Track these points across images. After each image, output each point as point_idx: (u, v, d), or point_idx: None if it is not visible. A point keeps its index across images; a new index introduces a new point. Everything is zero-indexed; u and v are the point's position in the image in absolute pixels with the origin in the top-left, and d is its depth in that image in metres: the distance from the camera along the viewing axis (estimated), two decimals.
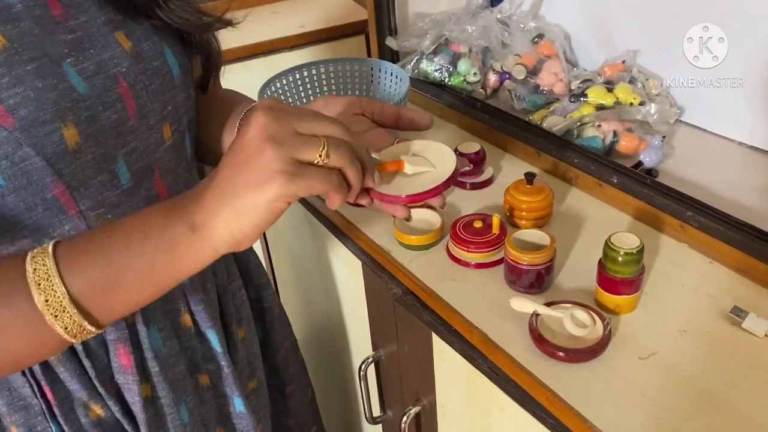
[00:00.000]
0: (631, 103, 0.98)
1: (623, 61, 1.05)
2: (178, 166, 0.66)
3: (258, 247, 1.29)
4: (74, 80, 0.54)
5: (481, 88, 1.13)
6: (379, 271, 0.85)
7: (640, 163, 0.91)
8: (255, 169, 0.45)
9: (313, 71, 1.07)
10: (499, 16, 1.17)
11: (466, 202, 0.90)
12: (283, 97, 1.05)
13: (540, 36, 1.15)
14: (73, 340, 0.48)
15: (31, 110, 0.51)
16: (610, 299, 0.69)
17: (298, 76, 1.06)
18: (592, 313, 0.66)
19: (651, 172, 0.90)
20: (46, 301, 0.46)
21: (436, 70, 1.13)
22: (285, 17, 1.54)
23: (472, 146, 0.91)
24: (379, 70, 1.08)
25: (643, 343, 0.66)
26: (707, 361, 0.63)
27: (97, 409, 0.64)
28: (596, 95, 0.99)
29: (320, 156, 0.46)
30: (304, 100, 1.08)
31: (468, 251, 0.77)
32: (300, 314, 1.22)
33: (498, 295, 0.73)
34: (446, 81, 1.13)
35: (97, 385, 0.63)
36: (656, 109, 0.97)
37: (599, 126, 0.95)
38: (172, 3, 0.62)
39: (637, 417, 0.59)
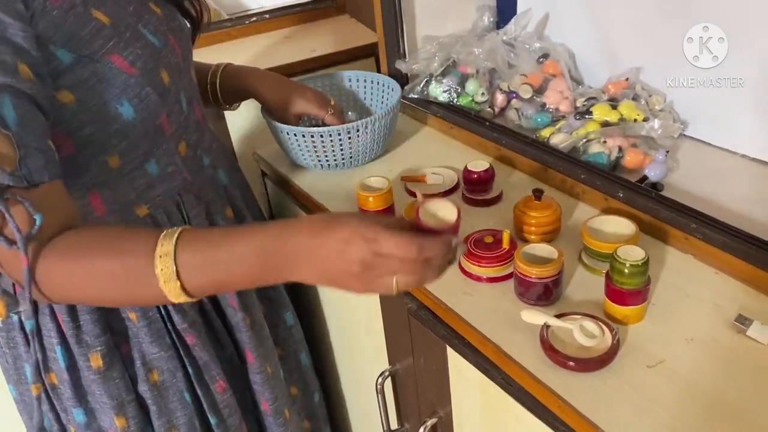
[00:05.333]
0: (635, 120, 1.01)
1: (627, 79, 1.08)
2: (199, 96, 0.90)
3: None
4: (151, 38, 0.75)
5: (489, 107, 1.17)
6: None
7: (645, 178, 0.94)
8: (347, 286, 0.62)
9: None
10: (504, 37, 1.21)
11: (476, 218, 0.93)
12: None
13: (545, 56, 1.18)
14: (173, 301, 0.63)
15: (144, 61, 0.73)
16: (618, 310, 0.71)
17: None
18: (601, 323, 0.69)
19: (656, 186, 0.93)
20: (165, 283, 0.61)
21: (444, 91, 1.17)
22: (297, 42, 1.58)
23: (481, 164, 0.94)
24: (366, 81, 1.20)
25: (651, 352, 0.68)
26: (713, 368, 0.66)
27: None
28: (601, 112, 1.02)
29: (395, 291, 0.61)
30: None
31: (480, 266, 0.79)
32: (317, 329, 1.25)
33: (510, 308, 0.76)
34: (455, 101, 1.17)
35: None
36: (660, 125, 0.99)
37: (605, 142, 0.98)
38: None
39: (645, 423, 0.61)
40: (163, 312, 0.83)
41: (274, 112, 1.06)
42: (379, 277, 0.60)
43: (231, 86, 1.02)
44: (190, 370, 0.87)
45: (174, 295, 0.62)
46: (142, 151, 0.77)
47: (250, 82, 1.04)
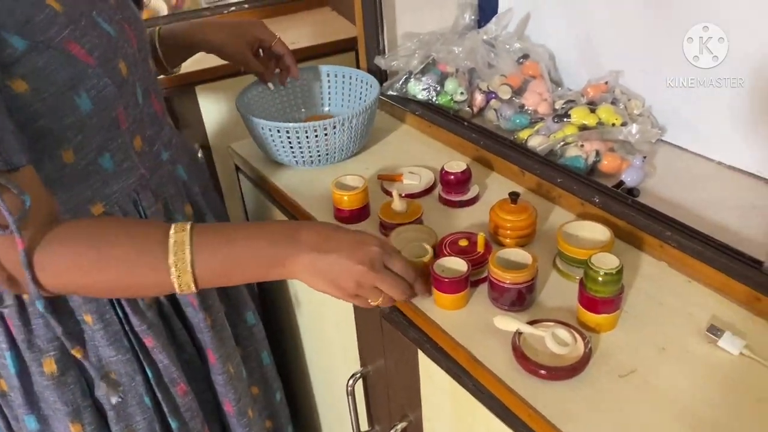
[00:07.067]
0: (614, 124, 1.00)
1: (606, 82, 1.07)
2: (158, 87, 0.88)
3: None
4: (106, 27, 0.72)
5: (468, 107, 1.16)
6: None
7: (621, 183, 0.93)
8: (342, 280, 0.68)
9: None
10: (485, 37, 1.19)
11: (452, 219, 0.91)
12: (257, 103, 1.14)
13: (525, 56, 1.17)
14: (177, 291, 0.66)
15: (102, 51, 0.70)
16: (590, 318, 0.70)
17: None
18: (573, 331, 0.68)
19: (632, 192, 0.92)
20: (178, 276, 0.65)
21: (423, 89, 1.16)
22: (277, 33, 1.56)
23: (459, 165, 0.93)
24: (345, 76, 1.18)
25: (623, 361, 0.67)
26: (685, 378, 0.65)
27: None
28: (579, 116, 1.02)
29: (378, 303, 0.72)
30: (279, 105, 1.14)
31: None
32: (285, 328, 1.24)
33: (483, 313, 0.75)
34: (434, 100, 1.15)
35: None
36: (638, 129, 0.99)
37: (582, 146, 0.97)
38: None
39: None
40: (120, 314, 0.81)
41: (230, 55, 1.03)
42: (372, 287, 0.69)
43: (172, 47, 0.98)
44: (149, 374, 0.84)
45: (184, 282, 0.65)
46: (96, 145, 0.74)
47: (194, 36, 1.00)
